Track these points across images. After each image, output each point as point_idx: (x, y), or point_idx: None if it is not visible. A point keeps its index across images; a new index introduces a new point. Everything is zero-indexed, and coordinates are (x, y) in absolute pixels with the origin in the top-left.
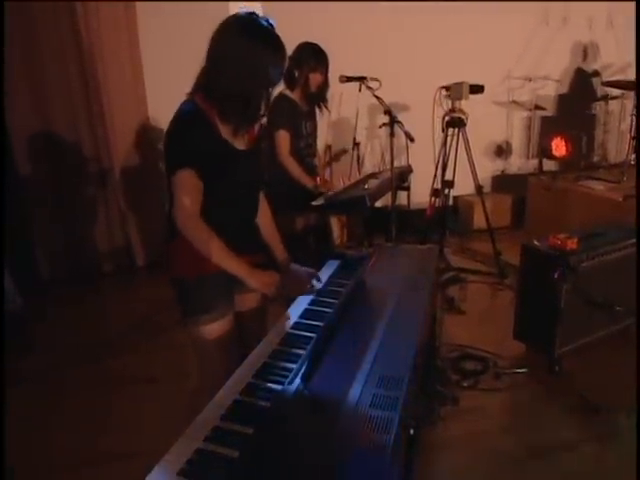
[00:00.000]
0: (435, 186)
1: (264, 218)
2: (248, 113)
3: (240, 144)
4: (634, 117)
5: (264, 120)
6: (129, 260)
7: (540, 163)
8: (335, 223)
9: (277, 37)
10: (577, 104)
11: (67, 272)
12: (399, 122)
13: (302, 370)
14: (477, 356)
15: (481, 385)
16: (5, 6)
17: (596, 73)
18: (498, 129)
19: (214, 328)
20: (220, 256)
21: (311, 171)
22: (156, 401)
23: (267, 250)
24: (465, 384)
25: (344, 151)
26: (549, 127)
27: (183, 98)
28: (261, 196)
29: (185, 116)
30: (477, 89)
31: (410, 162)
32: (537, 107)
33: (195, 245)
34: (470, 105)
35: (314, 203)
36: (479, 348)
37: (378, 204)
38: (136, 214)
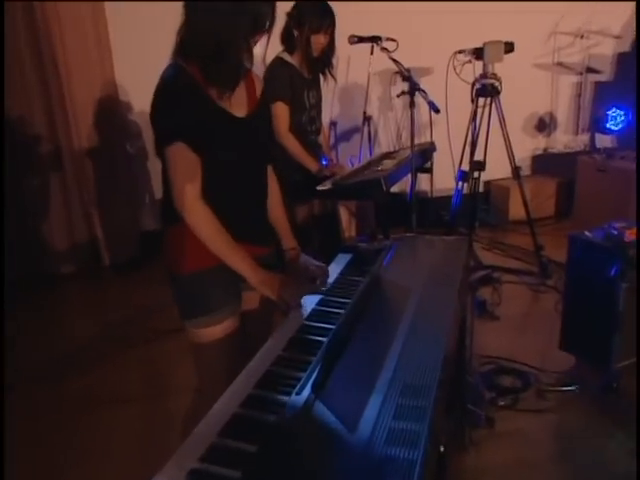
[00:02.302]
0: (463, 168)
1: (272, 198)
2: (227, 68)
3: (239, 110)
4: None
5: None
6: (94, 260)
7: (592, 139)
8: (344, 212)
9: None
10: None
11: (19, 274)
12: (421, 90)
13: (312, 378)
14: (515, 370)
15: (521, 405)
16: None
17: None
18: (540, 98)
19: (219, 331)
20: (224, 249)
21: (315, 150)
22: (129, 425)
23: (276, 240)
24: (501, 403)
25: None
26: (604, 95)
27: (159, 66)
28: (269, 172)
29: (170, 81)
30: (507, 48)
31: (434, 139)
32: (590, 70)
33: (197, 233)
34: (506, 69)
35: (319, 188)
36: (517, 361)
37: (395, 189)
38: (102, 205)
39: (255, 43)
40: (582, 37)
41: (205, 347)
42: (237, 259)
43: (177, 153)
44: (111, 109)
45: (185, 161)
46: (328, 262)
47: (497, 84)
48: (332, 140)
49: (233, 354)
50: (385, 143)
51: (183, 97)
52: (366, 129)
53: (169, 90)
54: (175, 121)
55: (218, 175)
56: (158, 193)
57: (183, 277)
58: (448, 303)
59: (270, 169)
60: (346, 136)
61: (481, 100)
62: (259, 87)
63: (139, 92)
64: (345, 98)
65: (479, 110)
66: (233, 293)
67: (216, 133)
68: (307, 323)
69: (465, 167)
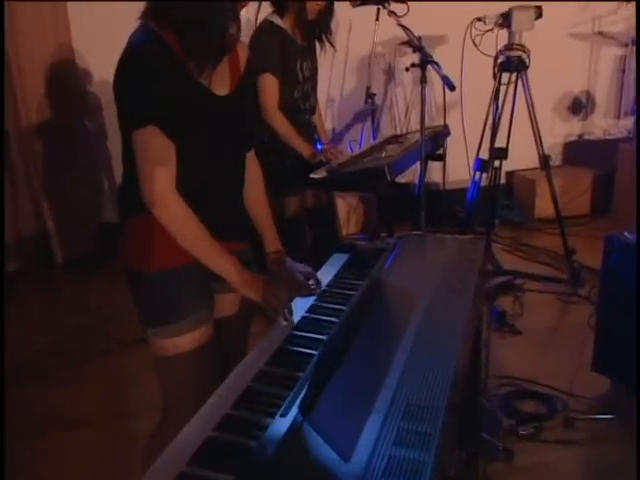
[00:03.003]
0: (481, 156)
1: (253, 191)
2: (210, 37)
3: (220, 88)
4: None
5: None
6: (44, 256)
7: (637, 124)
8: (341, 206)
9: None
10: None
11: None
12: (434, 63)
13: (300, 397)
14: (539, 394)
15: (545, 435)
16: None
17: None
18: (576, 74)
19: (190, 341)
20: (205, 248)
21: (308, 132)
22: (85, 452)
23: (253, 233)
24: (522, 432)
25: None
26: None
27: (125, 30)
28: (251, 158)
29: (140, 49)
30: (535, 13)
31: (447, 121)
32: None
33: (171, 231)
34: (535, 39)
35: (312, 176)
36: (542, 383)
37: (401, 180)
38: (53, 192)
39: (242, 7)
40: (627, 1)
41: (173, 360)
42: (220, 259)
43: (148, 138)
44: (66, 78)
45: (157, 148)
46: (322, 263)
47: (525, 57)
48: (329, 121)
49: (206, 368)
50: (391, 125)
51: (157, 70)
52: (369, 108)
53: (140, 60)
54: (147, 100)
55: (191, 162)
56: (120, 177)
57: (146, 276)
58: (460, 313)
59: (251, 155)
60: (345, 116)
61: (505, 76)
62: (244, 57)
63: (100, 59)
64: (345, 71)
65: (502, 88)
66: (206, 296)
67: (194, 115)
68: (295, 333)
69: (484, 155)
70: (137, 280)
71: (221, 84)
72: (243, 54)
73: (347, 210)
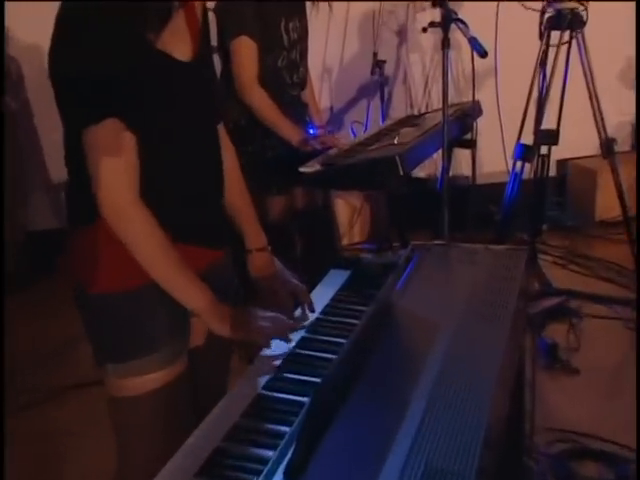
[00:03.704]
0: (524, 141)
1: (227, 169)
2: None
3: (182, 52)
4: None
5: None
6: None
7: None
8: (341, 208)
9: None
10: None
11: None
12: (459, 21)
13: (286, 460)
14: (603, 453)
15: None
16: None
17: None
18: None
19: (156, 382)
20: (168, 270)
21: (297, 112)
22: None
23: (235, 238)
24: None
25: None
26: None
27: None
28: (223, 138)
29: (81, 7)
30: None
31: (478, 97)
32: None
33: (132, 248)
34: None
35: (303, 170)
36: (606, 439)
37: (419, 173)
38: None
39: None
40: None
41: (133, 406)
42: (186, 286)
43: (105, 136)
44: None
45: (117, 147)
46: (315, 281)
47: (581, 10)
48: (324, 98)
49: (175, 417)
50: (405, 102)
51: (109, 39)
52: (376, 81)
53: (83, 24)
54: (103, 85)
55: (155, 152)
56: (54, 172)
57: (105, 299)
58: (495, 347)
59: (223, 133)
60: (346, 91)
61: (555, 36)
62: (200, 9)
63: (24, 16)
64: (345, 33)
65: (551, 51)
66: (181, 322)
67: (158, 92)
68: (280, 375)
69: (528, 139)
70: (92, 304)
71: (181, 47)
72: (199, 5)
73: (348, 214)
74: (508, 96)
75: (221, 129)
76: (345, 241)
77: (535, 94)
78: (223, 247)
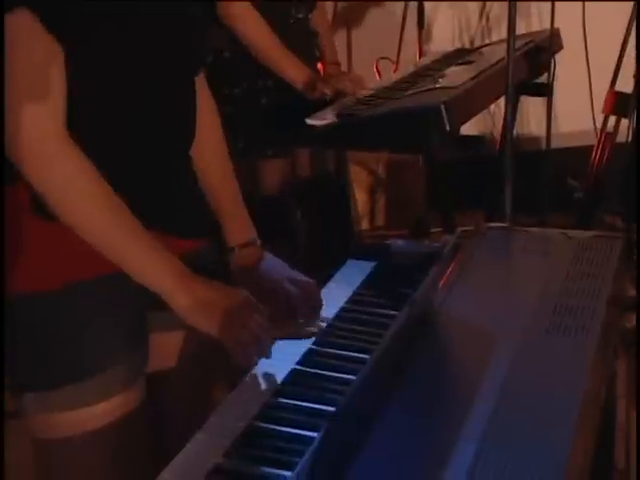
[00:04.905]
0: (619, 88)
1: (204, 133)
2: None
3: None
4: None
5: None
6: None
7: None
8: (361, 178)
9: None
10: None
11: None
12: None
13: None
14: None
15: None
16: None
17: None
18: None
19: (100, 414)
20: (118, 237)
21: (302, 44)
22: None
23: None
24: None
25: None
26: None
27: None
28: (200, 83)
29: None
30: None
31: (558, 26)
32: None
33: (54, 203)
34: None
35: (311, 122)
36: None
37: (471, 131)
38: None
39: None
40: None
41: (63, 453)
42: (150, 257)
43: (18, 35)
44: None
45: (30, 52)
46: (327, 276)
47: None
48: (338, 25)
49: (124, 469)
50: (451, 31)
51: None
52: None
53: None
54: None
55: (93, 81)
56: None
57: (20, 299)
58: (575, 371)
59: (201, 79)
60: (369, 15)
61: None
62: None
63: None
64: None
65: None
66: (134, 335)
67: (106, 10)
68: (277, 400)
69: (625, 87)
70: (9, 308)
71: None
72: None
73: (371, 185)
74: (598, 25)
75: (200, 80)
76: (365, 224)
77: (634, 31)
78: (200, 236)
